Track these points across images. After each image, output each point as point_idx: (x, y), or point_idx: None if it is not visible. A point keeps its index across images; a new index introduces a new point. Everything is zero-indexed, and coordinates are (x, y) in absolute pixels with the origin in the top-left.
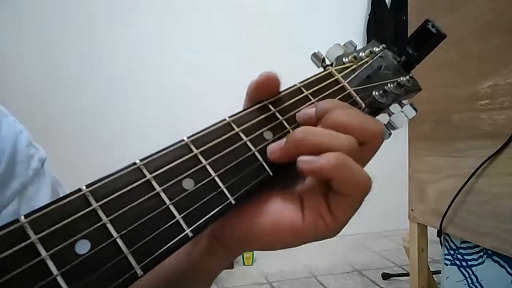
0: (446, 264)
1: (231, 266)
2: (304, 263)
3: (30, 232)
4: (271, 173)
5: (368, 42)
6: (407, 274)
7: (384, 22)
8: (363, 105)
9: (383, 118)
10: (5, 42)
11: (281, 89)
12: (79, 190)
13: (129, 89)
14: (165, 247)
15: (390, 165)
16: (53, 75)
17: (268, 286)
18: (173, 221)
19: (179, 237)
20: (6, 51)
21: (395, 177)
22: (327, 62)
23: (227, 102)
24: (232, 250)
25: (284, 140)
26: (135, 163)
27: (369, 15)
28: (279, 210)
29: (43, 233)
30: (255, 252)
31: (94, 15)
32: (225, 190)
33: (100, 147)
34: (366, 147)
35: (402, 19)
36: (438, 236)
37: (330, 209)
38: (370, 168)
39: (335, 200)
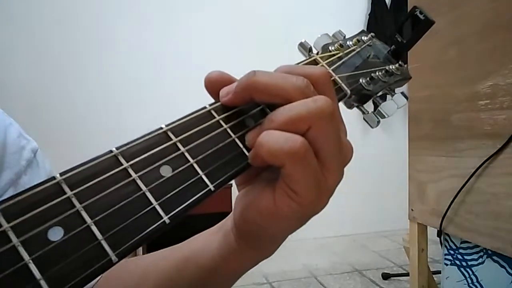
0: (446, 264)
1: None
2: (304, 263)
3: (2, 220)
4: None
5: None
6: (407, 274)
7: (384, 22)
8: (349, 91)
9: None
10: (6, 42)
11: None
12: (53, 178)
13: (129, 89)
14: (142, 234)
15: (390, 165)
16: (54, 75)
17: (268, 286)
18: (149, 207)
19: (156, 224)
20: (7, 51)
21: (395, 177)
22: (314, 51)
23: None
24: (258, 248)
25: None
26: (111, 151)
27: (369, 15)
28: (257, 198)
29: (15, 221)
30: None
31: (94, 15)
32: (204, 176)
33: (101, 147)
34: (316, 88)
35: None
36: (438, 236)
37: (289, 186)
38: (371, 168)
39: (282, 176)
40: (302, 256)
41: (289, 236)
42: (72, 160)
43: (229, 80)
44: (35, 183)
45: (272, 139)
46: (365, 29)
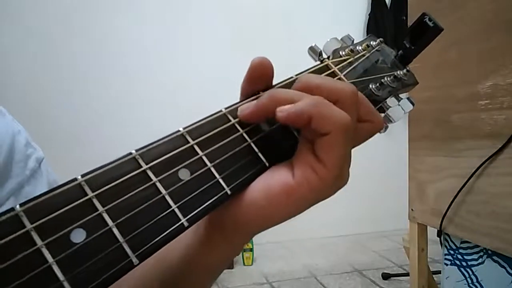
0: (446, 264)
1: (231, 266)
2: (304, 263)
3: (26, 221)
4: (267, 164)
5: None
6: (407, 274)
7: (384, 22)
8: None
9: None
10: (8, 42)
11: (275, 81)
12: (75, 179)
13: (131, 89)
14: (161, 236)
15: (390, 165)
16: (56, 76)
17: (268, 286)
18: (168, 210)
19: (175, 226)
20: (9, 51)
21: (395, 177)
22: (324, 56)
23: (227, 101)
24: (230, 236)
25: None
26: (130, 153)
27: (369, 15)
28: (268, 178)
29: (39, 222)
30: (255, 252)
31: (96, 15)
32: (221, 180)
33: (103, 148)
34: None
35: (402, 19)
36: (438, 236)
37: (317, 157)
38: (371, 168)
39: (319, 144)
40: (302, 256)
41: (289, 236)
42: (72, 162)
43: (270, 68)
44: (38, 193)
45: (329, 105)
46: (365, 30)
